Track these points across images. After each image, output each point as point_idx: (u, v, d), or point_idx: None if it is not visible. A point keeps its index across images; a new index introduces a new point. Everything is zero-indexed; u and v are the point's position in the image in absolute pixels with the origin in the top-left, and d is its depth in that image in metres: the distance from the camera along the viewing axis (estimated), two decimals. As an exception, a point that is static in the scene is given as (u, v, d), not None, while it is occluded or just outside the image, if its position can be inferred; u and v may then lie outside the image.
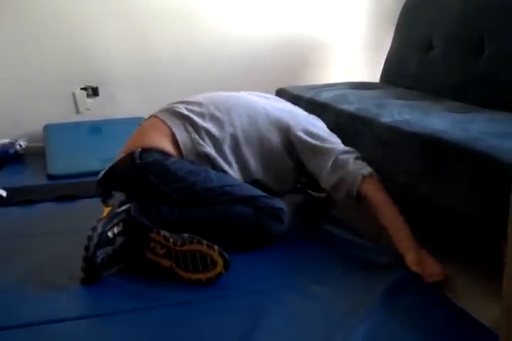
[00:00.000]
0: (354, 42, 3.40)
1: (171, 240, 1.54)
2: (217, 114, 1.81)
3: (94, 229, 1.49)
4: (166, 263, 1.55)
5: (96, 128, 2.99)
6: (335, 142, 1.84)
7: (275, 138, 1.85)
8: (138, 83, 3.11)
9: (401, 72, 2.67)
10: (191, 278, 1.49)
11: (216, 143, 1.77)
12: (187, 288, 1.47)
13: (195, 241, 1.51)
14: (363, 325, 1.28)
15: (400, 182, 1.88)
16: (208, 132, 1.77)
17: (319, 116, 2.06)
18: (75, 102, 3.07)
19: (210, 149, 1.76)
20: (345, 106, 2.16)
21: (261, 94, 2.04)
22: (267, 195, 1.73)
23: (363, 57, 3.40)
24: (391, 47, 2.83)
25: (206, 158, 1.75)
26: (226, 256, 1.47)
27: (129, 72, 3.09)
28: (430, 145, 1.65)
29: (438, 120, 1.82)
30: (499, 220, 1.00)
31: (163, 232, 1.57)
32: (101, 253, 1.48)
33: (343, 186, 1.71)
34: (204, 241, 1.49)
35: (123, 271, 1.57)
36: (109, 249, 1.51)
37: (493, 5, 2.20)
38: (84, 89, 3.06)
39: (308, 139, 1.83)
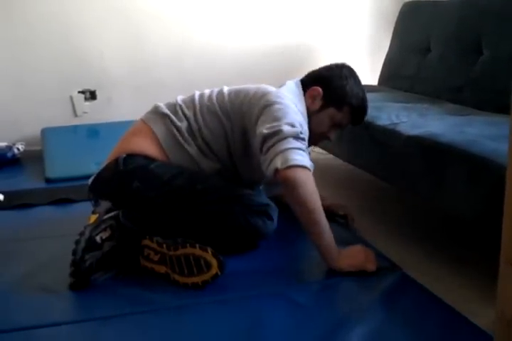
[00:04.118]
0: (352, 45, 3.40)
1: (164, 245, 1.53)
2: (186, 112, 1.78)
3: (81, 233, 1.50)
4: (162, 269, 1.54)
5: (94, 131, 2.99)
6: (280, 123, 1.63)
7: (237, 128, 1.75)
8: (135, 86, 3.11)
9: (399, 75, 2.68)
10: (187, 283, 1.48)
11: (193, 139, 1.75)
12: (183, 293, 1.47)
13: (187, 244, 1.50)
14: (359, 329, 1.27)
15: (399, 185, 1.88)
16: (185, 129, 1.75)
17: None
18: (73, 105, 3.07)
19: (189, 146, 1.74)
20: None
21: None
22: (253, 193, 1.72)
23: (362, 60, 3.40)
24: (389, 50, 2.84)
25: (188, 155, 1.74)
26: (220, 257, 1.46)
27: (126, 75, 3.09)
28: (427, 148, 1.65)
29: (435, 123, 1.83)
30: (496, 223, 1.00)
31: (156, 238, 1.56)
32: (89, 258, 1.48)
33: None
34: (197, 244, 1.49)
35: (118, 275, 1.57)
36: (97, 254, 1.51)
37: (490, 8, 2.20)
38: (82, 92, 3.06)
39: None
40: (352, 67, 1.89)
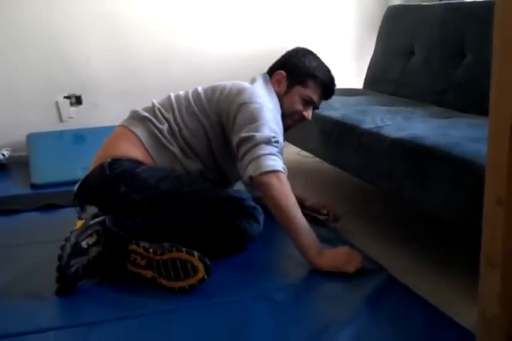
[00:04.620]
0: (338, 49, 3.42)
1: (151, 250, 1.53)
2: (165, 114, 1.82)
3: (67, 239, 1.50)
4: (148, 273, 1.54)
5: (79, 136, 2.98)
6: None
7: (216, 125, 1.79)
8: (121, 91, 3.11)
9: (384, 78, 2.70)
10: (174, 287, 1.49)
11: (175, 141, 1.78)
12: (169, 297, 1.47)
13: (174, 248, 1.50)
14: (345, 330, 1.28)
15: (384, 187, 1.89)
16: (166, 130, 1.78)
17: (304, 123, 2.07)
18: (59, 111, 3.06)
19: (172, 147, 1.77)
20: (330, 113, 2.18)
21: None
22: (239, 196, 1.74)
23: (347, 64, 3.42)
24: (374, 54, 2.86)
25: (172, 154, 1.76)
26: (207, 261, 1.47)
27: (112, 80, 3.09)
28: (411, 151, 1.66)
29: (419, 125, 1.84)
30: (478, 224, 1.01)
31: (142, 243, 1.56)
32: (75, 263, 1.48)
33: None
34: (183, 248, 1.49)
35: (104, 281, 1.57)
36: (83, 260, 1.51)
37: (473, 12, 2.23)
38: (68, 97, 3.05)
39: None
40: (308, 48, 2.00)
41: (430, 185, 1.59)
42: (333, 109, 2.21)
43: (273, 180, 1.58)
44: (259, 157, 1.60)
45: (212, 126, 1.78)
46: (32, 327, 1.34)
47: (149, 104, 1.88)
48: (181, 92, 1.91)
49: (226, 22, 3.20)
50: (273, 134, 1.65)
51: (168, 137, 1.77)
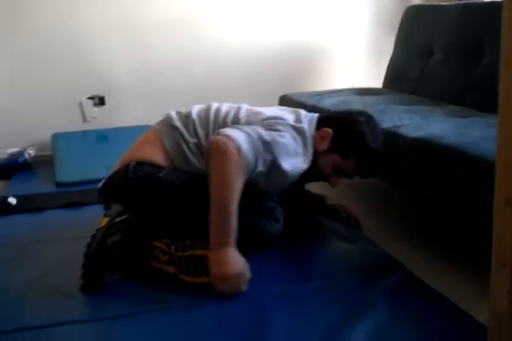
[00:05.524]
0: (357, 48, 3.43)
1: (173, 247, 1.57)
2: (198, 129, 1.77)
3: (93, 236, 1.53)
4: (170, 269, 1.58)
5: (103, 136, 3.04)
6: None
7: None
8: (143, 92, 3.16)
9: (403, 78, 2.70)
10: (195, 282, 1.52)
11: (202, 154, 1.74)
12: (191, 292, 1.50)
13: (197, 246, 1.54)
14: (363, 326, 1.31)
15: (402, 187, 1.90)
16: (195, 145, 1.75)
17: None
18: (82, 111, 3.12)
19: (199, 163, 1.74)
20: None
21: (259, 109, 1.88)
22: (258, 196, 1.74)
23: (367, 62, 3.43)
24: (393, 53, 2.86)
25: (196, 169, 1.74)
26: None
27: (134, 81, 3.14)
28: (429, 150, 1.68)
29: (437, 125, 1.85)
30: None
31: (165, 240, 1.60)
32: (100, 260, 1.52)
33: None
34: (206, 246, 1.52)
35: (127, 276, 1.61)
36: (107, 257, 1.55)
37: (492, 12, 2.22)
38: (91, 98, 3.11)
39: None
40: (373, 116, 1.83)
41: (448, 184, 1.60)
42: (351, 108, 2.22)
43: (230, 146, 1.51)
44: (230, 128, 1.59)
45: None
46: (56, 321, 1.38)
47: (187, 111, 1.83)
48: (224, 108, 1.82)
49: (249, 22, 3.23)
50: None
51: (195, 151, 1.74)
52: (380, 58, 3.13)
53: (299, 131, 1.71)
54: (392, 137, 1.86)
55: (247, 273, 1.49)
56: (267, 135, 1.62)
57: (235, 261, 1.48)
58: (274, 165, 1.62)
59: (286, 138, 1.65)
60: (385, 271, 1.59)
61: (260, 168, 1.60)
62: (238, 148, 1.52)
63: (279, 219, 1.74)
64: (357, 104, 2.28)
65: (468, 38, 2.30)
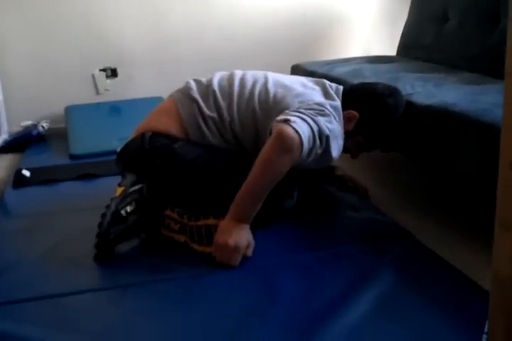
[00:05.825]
0: (371, 15, 3.37)
1: (185, 216, 1.58)
2: (220, 101, 1.73)
3: (108, 207, 1.54)
4: (181, 238, 1.60)
5: (115, 108, 3.04)
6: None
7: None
8: (155, 63, 3.14)
9: (417, 44, 2.65)
10: (205, 252, 1.54)
11: (220, 130, 1.73)
12: (201, 262, 1.52)
13: (210, 215, 1.55)
14: (370, 293, 1.32)
15: (412, 155, 1.89)
16: (213, 120, 1.72)
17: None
18: (95, 83, 3.12)
19: (214, 138, 1.73)
20: (359, 81, 2.16)
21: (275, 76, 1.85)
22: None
23: (381, 30, 3.37)
24: (407, 19, 2.80)
25: (209, 143, 1.73)
26: None
27: (147, 52, 3.12)
28: (440, 118, 1.66)
29: (450, 92, 1.82)
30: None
31: (177, 209, 1.61)
32: (113, 231, 1.53)
33: None
34: (218, 216, 1.53)
35: (139, 246, 1.63)
36: (121, 227, 1.56)
37: (509, -26, 2.16)
38: (103, 70, 3.11)
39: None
40: (400, 92, 1.83)
41: (458, 150, 1.58)
42: (363, 77, 2.19)
43: (296, 143, 1.48)
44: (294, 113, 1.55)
45: (266, 127, 1.65)
46: (71, 289, 1.41)
47: (208, 78, 1.79)
48: (249, 77, 1.77)
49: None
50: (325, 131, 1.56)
51: (212, 127, 1.71)
52: (395, 25, 3.07)
53: (335, 109, 1.69)
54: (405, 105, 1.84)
55: (245, 251, 1.50)
56: (324, 125, 1.57)
57: (242, 236, 1.49)
58: (323, 155, 1.61)
59: (334, 124, 1.63)
60: (394, 240, 1.59)
61: (310, 159, 1.59)
62: (301, 147, 1.50)
63: (293, 195, 1.74)
64: (369, 72, 2.25)
65: (484, 2, 2.24)
